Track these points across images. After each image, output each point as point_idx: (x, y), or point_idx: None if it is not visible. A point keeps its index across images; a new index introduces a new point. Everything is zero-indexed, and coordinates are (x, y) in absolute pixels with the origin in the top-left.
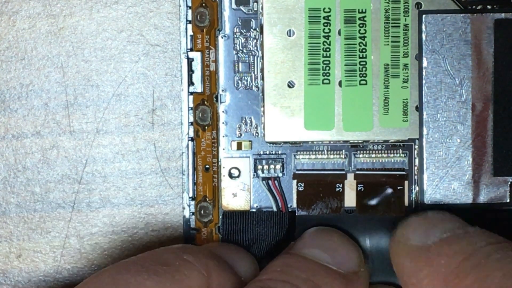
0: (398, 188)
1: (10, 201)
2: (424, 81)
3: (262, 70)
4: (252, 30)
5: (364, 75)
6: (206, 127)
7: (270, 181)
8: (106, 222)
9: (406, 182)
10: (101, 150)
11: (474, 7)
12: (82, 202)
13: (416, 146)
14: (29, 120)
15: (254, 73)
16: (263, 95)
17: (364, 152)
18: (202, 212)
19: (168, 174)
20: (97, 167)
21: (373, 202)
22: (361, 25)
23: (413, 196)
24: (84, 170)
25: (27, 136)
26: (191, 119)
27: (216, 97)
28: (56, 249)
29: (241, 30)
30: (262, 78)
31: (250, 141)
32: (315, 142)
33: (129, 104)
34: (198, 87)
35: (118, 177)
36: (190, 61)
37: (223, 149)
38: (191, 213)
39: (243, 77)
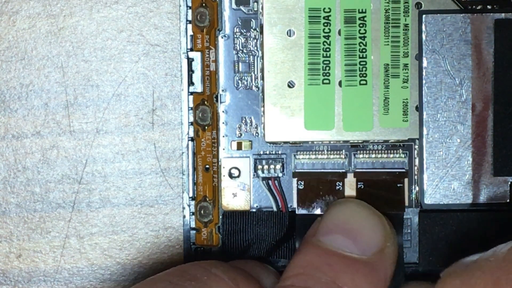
0: (398, 185)
1: (10, 201)
2: (424, 81)
3: (262, 70)
4: (252, 30)
5: (364, 75)
6: (206, 127)
7: (270, 181)
8: (106, 222)
9: (406, 180)
10: (101, 150)
11: (474, 7)
12: (82, 202)
13: (416, 146)
14: (29, 120)
15: (254, 73)
16: (263, 95)
17: (364, 152)
18: (202, 212)
19: (168, 174)
20: (97, 167)
21: None
22: (361, 25)
23: (413, 196)
24: (84, 170)
25: (27, 136)
26: (191, 119)
27: (216, 97)
28: (56, 249)
29: (241, 30)
30: (262, 78)
31: (250, 141)
32: (315, 142)
33: (129, 104)
34: (198, 87)
35: (118, 177)
36: (190, 61)
37: (223, 149)
38: (191, 213)
39: (243, 77)
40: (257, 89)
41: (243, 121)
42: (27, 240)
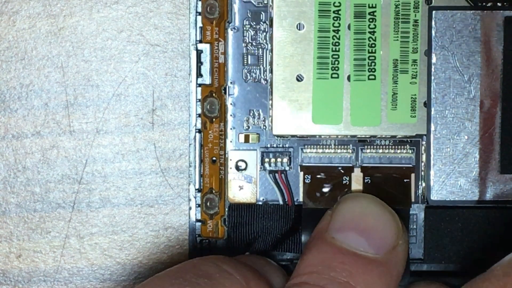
0: (405, 181)
1: (10, 201)
2: (432, 77)
3: (271, 63)
4: (261, 23)
5: (373, 70)
6: (214, 119)
7: (277, 174)
8: (106, 222)
9: (412, 176)
10: (101, 150)
11: (484, 4)
12: (82, 202)
13: (424, 142)
14: (29, 120)
15: (263, 66)
16: (271, 88)
17: (372, 147)
18: (208, 204)
19: (168, 174)
20: (97, 167)
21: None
22: (371, 20)
23: (420, 192)
24: (84, 170)
25: (27, 136)
26: (199, 111)
27: (225, 89)
28: (56, 249)
29: (251, 23)
30: (271, 71)
31: (257, 134)
32: (322, 136)
33: (129, 104)
34: (206, 79)
35: (118, 177)
36: (199, 52)
37: (231, 141)
38: (197, 205)
39: (251, 70)
40: (265, 82)
41: (251, 114)
42: (27, 240)
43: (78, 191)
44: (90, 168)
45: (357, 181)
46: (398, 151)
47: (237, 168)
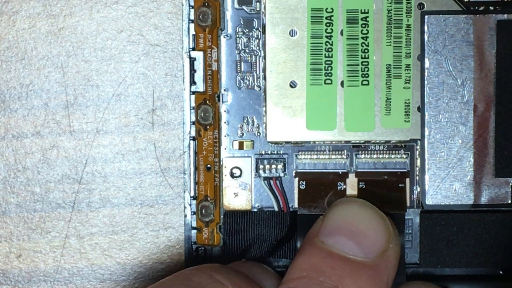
0: (400, 185)
1: (10, 201)
2: (426, 82)
3: (264, 70)
4: (254, 29)
5: (366, 75)
6: (208, 127)
7: (271, 181)
8: (106, 222)
9: (407, 180)
10: (101, 150)
11: (476, 8)
12: (82, 202)
13: (418, 147)
14: (29, 120)
15: (256, 72)
16: (265, 95)
17: (366, 152)
18: (203, 211)
19: (168, 174)
20: (97, 167)
21: None
22: (363, 26)
23: (415, 196)
24: (84, 170)
25: (27, 136)
26: (193, 119)
27: (218, 96)
28: (56, 249)
29: (244, 30)
30: (264, 78)
31: (251, 140)
32: (316, 142)
33: (129, 104)
34: (200, 87)
35: (118, 177)
36: (192, 60)
37: (225, 148)
38: (192, 213)
39: (245, 77)
40: (259, 88)
41: (245, 121)
42: (27, 240)
43: (78, 191)
44: (90, 168)
45: (352, 186)
46: (393, 156)
47: (232, 175)
